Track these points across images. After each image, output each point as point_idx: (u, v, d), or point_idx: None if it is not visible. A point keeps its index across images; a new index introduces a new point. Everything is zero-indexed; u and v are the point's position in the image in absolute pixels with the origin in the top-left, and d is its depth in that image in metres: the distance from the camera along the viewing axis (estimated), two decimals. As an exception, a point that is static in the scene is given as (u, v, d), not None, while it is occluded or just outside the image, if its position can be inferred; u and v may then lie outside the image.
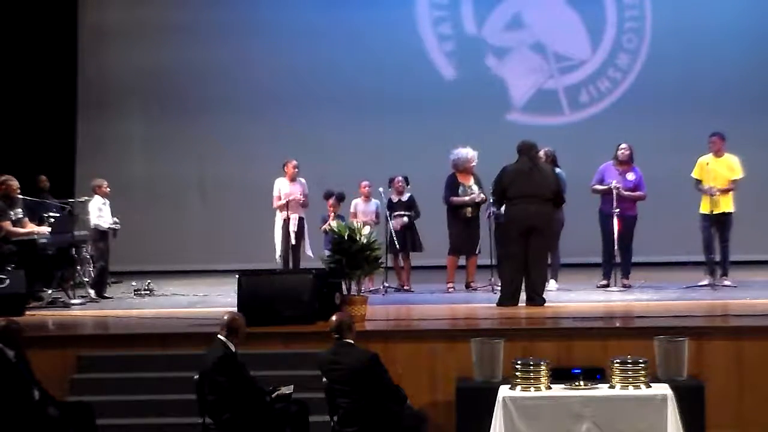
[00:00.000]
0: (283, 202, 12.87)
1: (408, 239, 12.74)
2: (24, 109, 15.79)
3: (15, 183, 11.96)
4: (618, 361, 8.22)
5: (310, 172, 13.66)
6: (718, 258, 12.26)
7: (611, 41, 16.14)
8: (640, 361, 8.18)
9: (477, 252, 12.62)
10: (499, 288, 11.23)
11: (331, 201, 12.91)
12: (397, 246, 12.56)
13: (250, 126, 16.04)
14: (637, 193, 12.29)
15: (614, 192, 12.01)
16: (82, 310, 11.57)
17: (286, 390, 8.20)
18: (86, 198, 12.77)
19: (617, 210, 12.03)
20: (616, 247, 12.07)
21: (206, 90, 16.16)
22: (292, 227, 12.84)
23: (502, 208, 11.21)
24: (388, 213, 12.66)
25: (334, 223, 11.15)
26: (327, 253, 10.90)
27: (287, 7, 16.28)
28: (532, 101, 16.14)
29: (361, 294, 10.24)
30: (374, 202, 12.98)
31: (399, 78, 15.97)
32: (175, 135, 16.28)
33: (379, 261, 10.38)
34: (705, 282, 12.20)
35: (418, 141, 15.39)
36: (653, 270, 13.59)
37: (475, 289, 12.51)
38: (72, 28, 16.36)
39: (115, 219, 12.74)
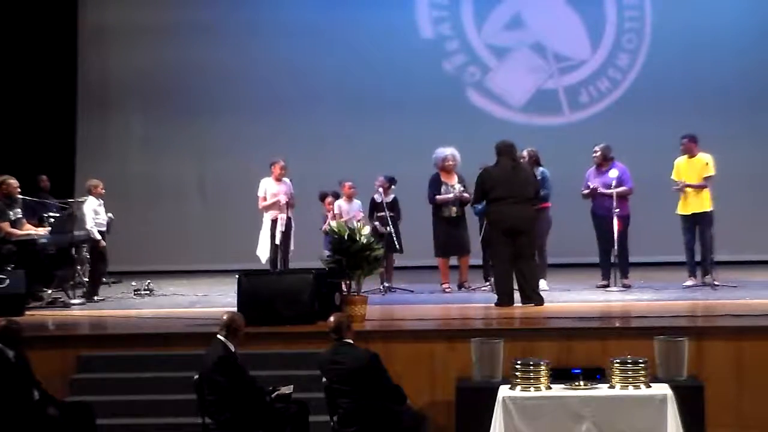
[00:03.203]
0: (270, 202, 12.84)
1: (394, 239, 12.69)
2: (24, 109, 15.80)
3: (15, 182, 11.97)
4: (618, 361, 8.21)
5: (309, 172, 13.67)
6: (699, 258, 12.30)
7: (611, 41, 16.14)
8: (640, 361, 8.18)
9: (469, 251, 12.63)
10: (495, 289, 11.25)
11: (329, 200, 12.89)
12: (397, 246, 12.55)
13: (250, 126, 16.04)
14: (621, 189, 12.25)
15: (602, 192, 12.08)
16: (81, 310, 11.57)
17: (286, 390, 8.20)
18: (84, 198, 12.74)
19: (617, 210, 12.03)
20: (615, 247, 12.08)
21: (206, 90, 16.17)
22: (280, 227, 12.80)
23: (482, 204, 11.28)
24: (368, 213, 12.67)
25: (333, 223, 11.14)
26: (327, 253, 10.89)
27: (287, 7, 16.28)
28: (532, 101, 16.13)
29: (361, 294, 10.24)
30: (356, 202, 12.97)
31: (399, 78, 15.97)
32: (175, 135, 16.28)
33: (379, 261, 10.39)
34: (689, 283, 12.23)
35: (418, 141, 15.36)
36: (653, 270, 13.60)
37: (473, 289, 12.51)
38: (72, 28, 16.36)
39: (110, 214, 12.72)
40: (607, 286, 12.28)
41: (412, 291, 12.59)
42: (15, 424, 7.88)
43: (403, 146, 15.47)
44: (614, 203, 12.04)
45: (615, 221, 12.04)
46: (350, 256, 9.93)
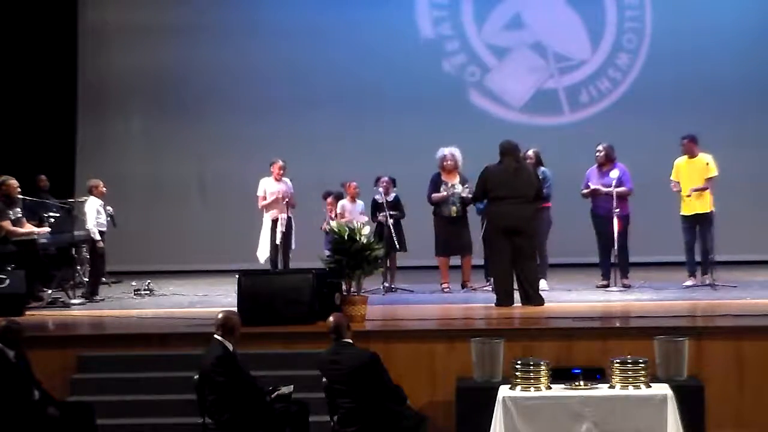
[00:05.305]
0: (269, 201, 12.89)
1: (394, 239, 12.69)
2: (24, 109, 15.80)
3: (15, 183, 11.97)
4: (618, 361, 8.21)
5: (309, 172, 13.67)
6: (699, 258, 12.31)
7: (611, 41, 16.14)
8: (640, 361, 8.18)
9: (471, 251, 12.62)
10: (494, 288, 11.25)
11: (329, 200, 12.88)
12: (397, 246, 12.54)
13: (250, 126, 16.04)
14: (620, 189, 12.24)
15: (602, 192, 12.09)
16: (81, 310, 11.57)
17: (286, 390, 8.20)
18: (84, 198, 12.74)
19: (617, 210, 12.04)
20: (615, 247, 12.09)
21: (206, 90, 16.17)
22: (281, 227, 12.85)
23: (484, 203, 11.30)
24: (370, 212, 12.66)
25: (334, 223, 11.14)
26: (327, 253, 10.89)
27: (287, 7, 16.28)
28: (532, 101, 16.13)
29: (361, 294, 10.24)
30: (360, 203, 12.97)
31: (399, 78, 15.97)
32: (175, 135, 16.29)
33: (379, 261, 10.38)
34: (689, 283, 12.24)
35: (418, 141, 15.36)
36: (653, 270, 13.60)
37: (474, 289, 12.50)
38: (72, 28, 16.36)
39: (109, 208, 12.71)
40: (607, 286, 12.29)
41: (412, 291, 12.59)
42: (15, 424, 7.88)
43: (402, 146, 15.46)
44: (614, 203, 12.04)
45: (615, 221, 12.05)
46: (350, 256, 9.93)
